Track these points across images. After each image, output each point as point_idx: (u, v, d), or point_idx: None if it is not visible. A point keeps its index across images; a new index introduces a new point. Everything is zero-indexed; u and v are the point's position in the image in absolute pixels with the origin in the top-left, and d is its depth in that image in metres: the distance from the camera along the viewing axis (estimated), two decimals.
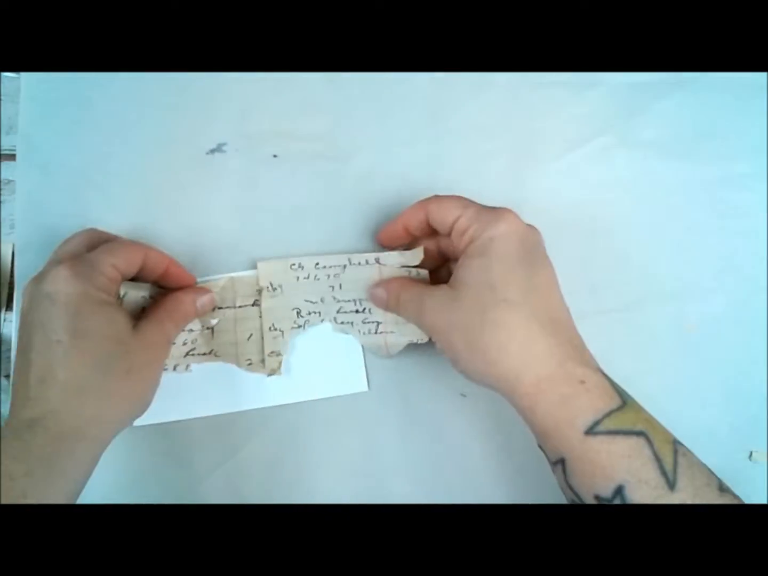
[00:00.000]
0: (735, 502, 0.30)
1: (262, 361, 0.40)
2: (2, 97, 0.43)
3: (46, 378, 0.31)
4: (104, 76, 0.42)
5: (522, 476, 0.40)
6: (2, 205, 0.43)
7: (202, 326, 0.40)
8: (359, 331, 0.40)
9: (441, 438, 0.41)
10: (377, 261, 0.40)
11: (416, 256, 0.39)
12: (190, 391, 0.40)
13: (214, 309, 0.40)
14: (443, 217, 0.36)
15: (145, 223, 0.42)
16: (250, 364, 0.40)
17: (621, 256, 0.43)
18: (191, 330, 0.40)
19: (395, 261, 0.40)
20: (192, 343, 0.40)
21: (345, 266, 0.40)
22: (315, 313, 0.40)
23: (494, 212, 0.35)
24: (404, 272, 0.40)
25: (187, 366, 0.40)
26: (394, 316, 0.39)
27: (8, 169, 0.43)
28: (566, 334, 0.33)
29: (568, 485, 0.32)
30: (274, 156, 0.43)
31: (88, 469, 0.32)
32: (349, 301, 0.40)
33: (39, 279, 0.33)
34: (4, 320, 0.42)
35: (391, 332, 0.40)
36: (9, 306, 0.42)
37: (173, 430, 0.40)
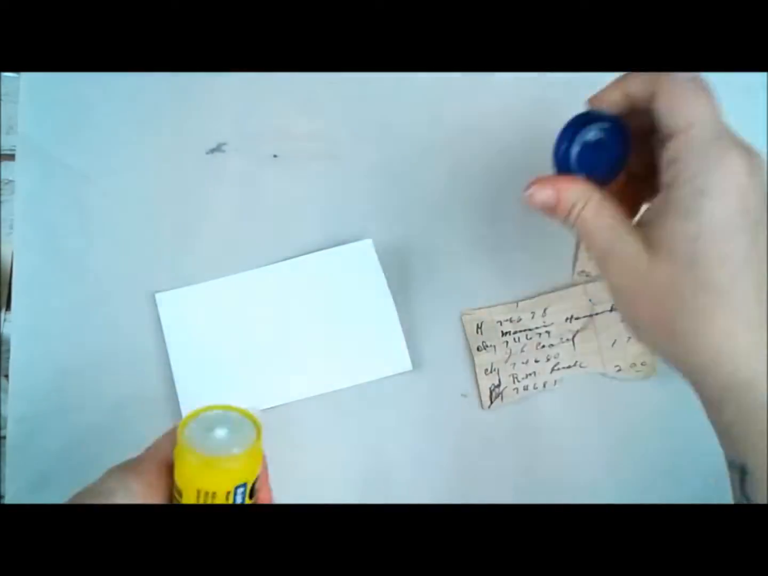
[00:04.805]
0: None
1: (632, 365, 0.39)
2: (2, 97, 0.43)
3: None
4: (104, 76, 0.42)
5: (526, 475, 0.40)
6: (2, 205, 0.42)
7: (561, 338, 0.39)
8: None
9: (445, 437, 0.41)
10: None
11: None
12: (235, 387, 0.39)
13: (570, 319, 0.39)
14: (671, 117, 0.29)
15: (145, 222, 0.42)
16: (619, 370, 0.39)
17: None
18: (551, 345, 0.39)
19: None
20: (555, 357, 0.39)
21: None
22: None
23: (717, 145, 0.27)
24: None
25: (555, 381, 0.39)
26: None
27: (8, 169, 0.43)
28: None
29: (744, 495, 0.28)
30: (274, 156, 0.43)
31: None
32: None
33: None
34: (4, 320, 0.42)
35: None
36: (9, 306, 0.42)
37: None
